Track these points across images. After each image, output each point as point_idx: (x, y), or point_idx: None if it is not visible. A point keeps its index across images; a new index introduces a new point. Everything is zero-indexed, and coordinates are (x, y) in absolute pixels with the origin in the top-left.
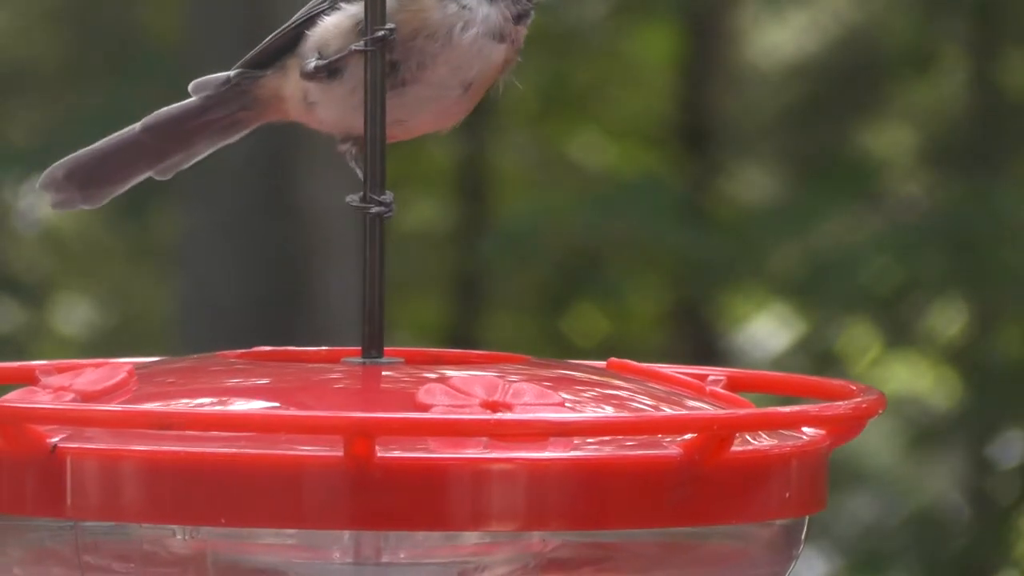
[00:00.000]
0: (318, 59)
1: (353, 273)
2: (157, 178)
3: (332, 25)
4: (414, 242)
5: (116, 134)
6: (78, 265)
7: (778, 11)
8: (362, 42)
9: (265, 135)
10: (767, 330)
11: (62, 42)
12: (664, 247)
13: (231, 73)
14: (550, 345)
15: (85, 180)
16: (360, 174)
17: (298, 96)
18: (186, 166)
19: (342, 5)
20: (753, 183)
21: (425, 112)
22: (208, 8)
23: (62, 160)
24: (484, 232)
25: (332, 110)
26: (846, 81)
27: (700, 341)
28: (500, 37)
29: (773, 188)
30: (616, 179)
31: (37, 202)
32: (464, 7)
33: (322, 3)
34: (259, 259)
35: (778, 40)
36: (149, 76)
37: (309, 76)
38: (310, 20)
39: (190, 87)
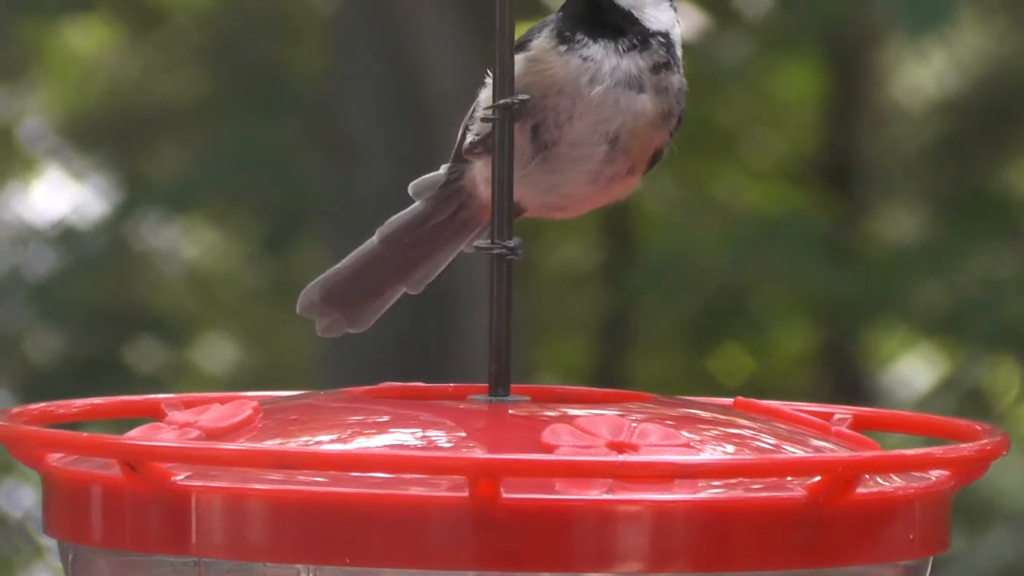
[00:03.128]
0: (474, 136)
1: None
2: (410, 291)
3: (482, 100)
4: (559, 283)
5: (356, 251)
6: (221, 304)
7: (920, 50)
8: (491, 110)
9: (403, 168)
10: (912, 369)
11: (203, 80)
12: (809, 285)
13: (442, 170)
14: (695, 384)
15: (342, 300)
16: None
17: (485, 177)
18: (433, 276)
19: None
20: (897, 221)
21: (575, 173)
22: (350, 46)
23: (313, 282)
24: (628, 272)
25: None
26: (989, 118)
27: (845, 380)
28: (639, 87)
29: (917, 226)
30: (760, 217)
31: (179, 241)
32: (587, 59)
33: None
34: (403, 297)
35: (921, 78)
36: (290, 114)
37: (468, 152)
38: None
39: (410, 191)
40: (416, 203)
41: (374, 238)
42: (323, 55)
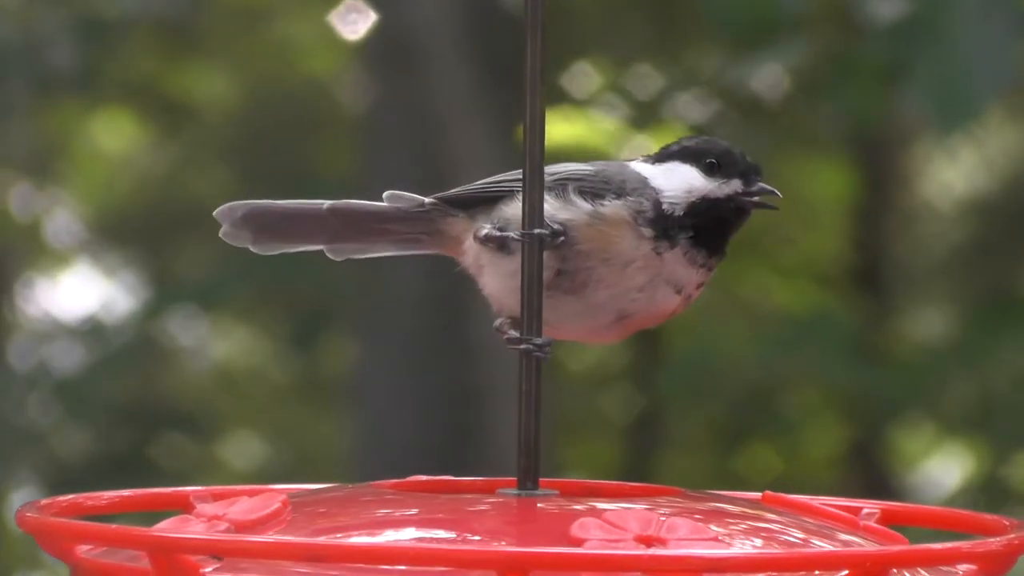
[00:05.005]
0: (492, 229)
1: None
2: (329, 255)
3: (518, 210)
4: (587, 383)
5: (304, 201)
6: (249, 400)
7: (949, 149)
8: (520, 232)
9: (437, 272)
10: (940, 468)
11: (231, 177)
12: (837, 385)
13: (426, 200)
14: (723, 484)
15: (260, 228)
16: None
17: (474, 251)
18: (359, 257)
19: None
20: (926, 320)
21: (573, 324)
22: (380, 144)
23: (245, 202)
24: (657, 372)
25: (494, 281)
26: (1018, 217)
27: (873, 479)
28: (678, 289)
29: (945, 325)
30: (789, 318)
31: (207, 339)
32: (658, 253)
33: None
34: (433, 392)
35: (950, 178)
36: None
37: (479, 240)
38: (512, 193)
39: (384, 195)
40: (383, 203)
41: (325, 204)
42: (352, 153)
